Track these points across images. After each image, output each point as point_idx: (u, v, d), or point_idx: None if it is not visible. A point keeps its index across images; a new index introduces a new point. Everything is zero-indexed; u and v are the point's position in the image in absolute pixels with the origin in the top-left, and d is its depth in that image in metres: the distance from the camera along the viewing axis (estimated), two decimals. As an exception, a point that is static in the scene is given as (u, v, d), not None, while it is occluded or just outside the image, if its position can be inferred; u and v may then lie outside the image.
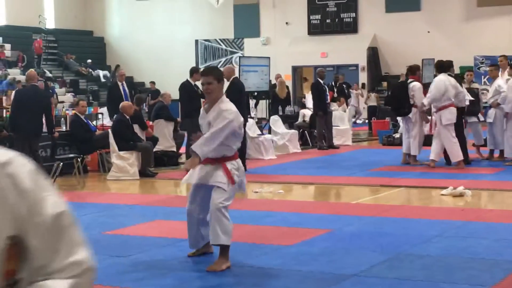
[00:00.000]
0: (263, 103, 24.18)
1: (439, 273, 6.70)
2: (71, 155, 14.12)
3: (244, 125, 14.84)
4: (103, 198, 11.98)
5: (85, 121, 15.06)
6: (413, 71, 15.48)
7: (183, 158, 15.57)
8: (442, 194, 11.41)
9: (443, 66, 14.79)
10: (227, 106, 7.20)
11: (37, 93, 13.63)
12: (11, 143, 13.46)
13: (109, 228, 9.19)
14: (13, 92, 16.61)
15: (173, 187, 13.48)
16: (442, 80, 14.25)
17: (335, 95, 22.31)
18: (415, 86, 14.96)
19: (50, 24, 37.67)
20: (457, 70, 22.24)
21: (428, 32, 31.08)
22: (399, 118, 17.96)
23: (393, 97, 15.78)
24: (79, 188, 13.25)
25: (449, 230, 8.61)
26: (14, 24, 35.72)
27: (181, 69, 16.14)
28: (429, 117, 14.84)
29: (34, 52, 34.22)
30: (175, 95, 16.45)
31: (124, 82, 17.60)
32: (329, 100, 19.27)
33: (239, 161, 7.32)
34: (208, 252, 7.52)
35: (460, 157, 14.18)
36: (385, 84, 30.73)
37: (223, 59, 35.31)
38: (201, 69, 15.88)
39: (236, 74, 15.65)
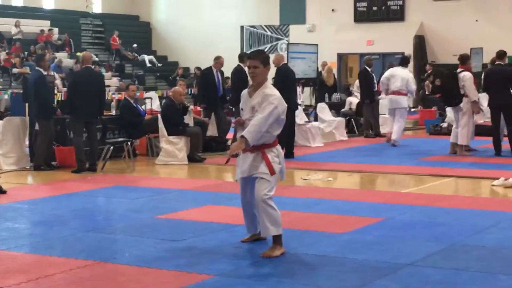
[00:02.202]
0: (307, 90, 24.15)
1: (496, 264, 6.65)
2: (121, 139, 14.24)
3: (294, 112, 14.98)
4: (153, 182, 12.07)
5: (135, 105, 15.16)
6: (463, 61, 15.31)
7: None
8: (493, 185, 11.30)
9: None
10: (272, 91, 7.17)
11: (93, 75, 13.73)
12: (62, 124, 13.63)
13: (161, 212, 9.25)
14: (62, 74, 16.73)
15: (221, 173, 13.53)
16: None
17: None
18: (465, 76, 14.80)
19: (97, 8, 37.94)
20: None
21: (476, 21, 30.70)
22: (448, 108, 17.83)
23: (443, 87, 15.63)
24: (128, 172, 13.35)
25: (503, 221, 8.54)
26: (62, 8, 36.04)
27: (226, 55, 16.16)
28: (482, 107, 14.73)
29: (112, 47, 34.66)
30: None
31: (218, 70, 17.01)
32: (376, 88, 19.17)
33: (279, 147, 7.33)
34: (261, 239, 7.54)
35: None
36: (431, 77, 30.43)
37: (268, 46, 35.24)
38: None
39: (285, 61, 15.65)
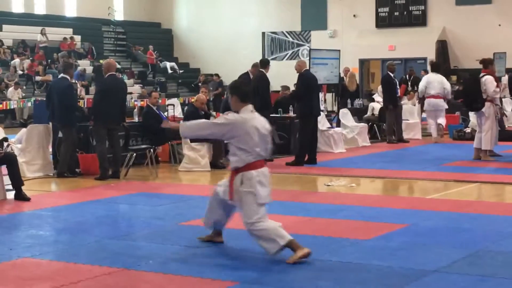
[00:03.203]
0: (329, 96, 24.11)
1: (523, 271, 6.60)
2: (144, 146, 14.26)
3: (316, 118, 14.96)
4: (176, 189, 12.08)
5: (157, 112, 15.20)
6: (486, 65, 15.21)
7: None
8: (518, 191, 11.23)
9: None
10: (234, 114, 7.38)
11: (118, 82, 13.79)
12: (86, 131, 13.67)
13: (184, 219, 9.25)
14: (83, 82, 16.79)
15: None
16: None
17: (409, 88, 22.10)
18: (487, 79, 14.72)
19: (119, 16, 38.12)
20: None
21: (499, 25, 30.56)
22: (470, 113, 17.73)
23: (465, 92, 15.54)
24: (151, 178, 13.37)
25: (529, 227, 8.47)
26: (84, 16, 36.26)
27: (248, 61, 16.15)
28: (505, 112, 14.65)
29: (147, 61, 34.85)
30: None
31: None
32: (399, 94, 19.10)
33: (253, 172, 7.22)
34: (218, 241, 7.70)
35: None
36: (454, 78, 30.30)
37: (290, 52, 35.30)
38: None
39: (307, 67, 15.64)
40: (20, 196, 10.87)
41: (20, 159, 13.40)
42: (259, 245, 7.14)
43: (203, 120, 7.54)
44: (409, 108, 20.78)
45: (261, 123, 7.37)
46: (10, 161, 10.95)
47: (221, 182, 7.74)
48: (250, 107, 7.41)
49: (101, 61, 29.88)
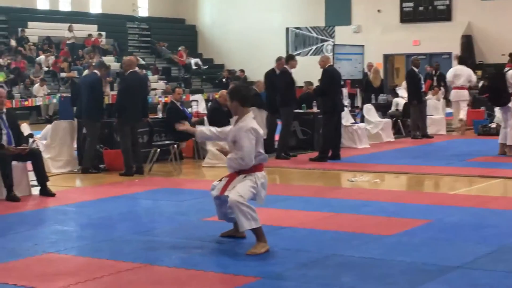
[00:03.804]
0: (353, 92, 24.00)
1: (548, 267, 6.55)
2: (167, 142, 14.29)
3: (340, 114, 14.93)
4: (199, 185, 12.10)
5: (181, 108, 15.23)
6: (512, 59, 15.13)
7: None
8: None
9: None
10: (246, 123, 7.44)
11: (139, 79, 13.86)
12: (110, 127, 13.72)
13: (207, 215, 9.25)
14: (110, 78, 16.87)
15: (268, 175, 13.48)
16: None
17: (435, 83, 22.00)
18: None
19: (143, 12, 38.25)
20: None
21: (525, 20, 30.34)
22: (496, 108, 17.61)
23: (490, 87, 15.43)
24: (175, 174, 13.40)
25: (554, 223, 8.41)
26: (108, 12, 36.43)
27: (272, 57, 16.11)
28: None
29: (179, 63, 34.92)
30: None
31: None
32: (424, 89, 19.02)
33: (258, 174, 7.45)
34: (240, 237, 7.74)
35: None
36: (479, 72, 30.09)
37: (314, 47, 35.24)
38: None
39: (331, 63, 15.60)
40: (45, 192, 10.94)
41: (45, 155, 13.49)
42: (236, 218, 7.27)
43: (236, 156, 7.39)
44: (433, 103, 20.67)
45: (260, 128, 7.55)
46: (35, 157, 11.02)
47: (215, 182, 7.84)
48: (251, 113, 7.53)
49: (126, 57, 29.98)
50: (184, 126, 8.03)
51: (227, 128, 7.68)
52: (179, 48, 35.57)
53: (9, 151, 10.67)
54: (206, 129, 7.90)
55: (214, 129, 7.81)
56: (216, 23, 37.93)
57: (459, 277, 6.31)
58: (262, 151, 7.48)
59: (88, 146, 13.39)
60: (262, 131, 7.53)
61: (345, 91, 18.03)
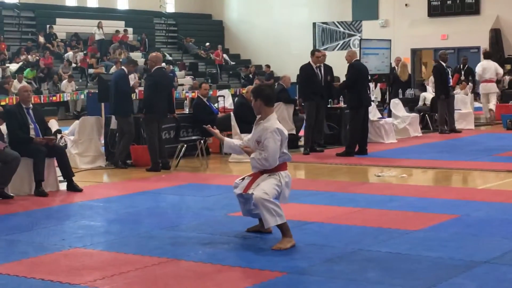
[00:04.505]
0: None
1: None
2: (194, 137, 14.32)
3: (367, 109, 14.88)
4: (226, 180, 12.09)
5: (208, 103, 15.25)
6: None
7: (302, 141, 15.58)
8: None
9: None
10: (270, 124, 7.42)
11: (165, 75, 13.94)
12: (137, 123, 13.77)
13: (234, 210, 9.25)
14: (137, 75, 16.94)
15: (294, 170, 13.49)
16: None
17: (462, 77, 21.87)
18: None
19: (170, 8, 38.35)
20: None
21: (555, 13, 30.04)
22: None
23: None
24: (202, 170, 13.43)
25: None
26: (136, 8, 36.57)
27: (298, 52, 16.11)
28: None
29: (215, 62, 34.87)
30: (293, 78, 16.44)
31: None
32: (451, 83, 18.88)
33: (282, 173, 7.46)
34: (266, 232, 7.72)
35: None
36: (508, 66, 29.87)
37: (341, 42, 35.14)
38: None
39: (358, 57, 15.54)
40: (72, 187, 11.04)
41: (72, 151, 13.63)
42: (261, 215, 7.29)
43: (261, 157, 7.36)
44: (461, 98, 20.55)
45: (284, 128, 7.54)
46: (58, 153, 11.14)
47: (237, 180, 7.87)
48: (275, 113, 7.55)
49: (152, 53, 30.07)
50: (214, 130, 7.95)
51: (248, 137, 7.74)
52: (217, 48, 35.60)
53: (37, 142, 10.80)
54: (232, 142, 7.90)
55: (239, 143, 7.81)
56: (243, 18, 37.93)
57: (486, 272, 6.26)
58: (286, 151, 7.47)
59: (125, 141, 13.45)
60: (286, 132, 7.52)
61: (372, 86, 17.96)
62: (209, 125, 8.09)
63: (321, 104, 15.30)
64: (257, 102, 7.46)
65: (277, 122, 7.45)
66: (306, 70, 15.21)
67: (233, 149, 7.94)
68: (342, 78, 17.37)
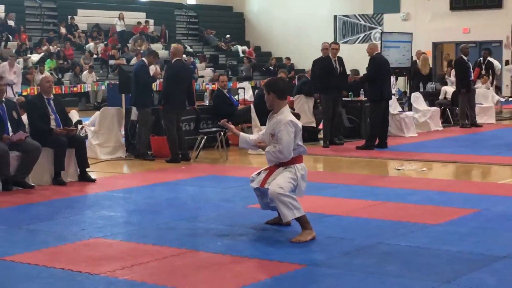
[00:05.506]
0: (401, 80, 23.84)
1: None
2: (214, 129, 14.35)
3: (387, 102, 14.84)
4: (245, 172, 12.07)
5: (228, 95, 15.27)
6: None
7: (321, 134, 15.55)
8: None
9: None
10: (284, 116, 7.44)
11: (185, 67, 13.96)
12: (157, 114, 13.80)
13: (253, 202, 9.23)
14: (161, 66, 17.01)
15: (314, 163, 13.49)
16: None
17: (483, 71, 21.74)
18: None
19: (191, 0, 38.35)
20: None
21: None
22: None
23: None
24: (221, 161, 13.45)
25: None
26: (157, 0, 36.61)
27: (319, 44, 16.04)
28: None
29: (245, 63, 34.75)
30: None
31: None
32: (472, 77, 18.78)
33: (298, 166, 7.47)
34: (285, 224, 7.70)
35: None
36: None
37: (362, 35, 35.01)
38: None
39: (379, 50, 15.49)
40: (85, 178, 11.15)
41: (93, 141, 13.70)
42: (278, 209, 7.34)
43: (275, 150, 7.37)
44: (482, 92, 20.44)
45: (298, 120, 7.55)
46: (78, 143, 11.22)
47: (253, 174, 7.89)
48: (287, 106, 7.53)
49: (173, 45, 30.10)
50: (229, 125, 7.91)
51: (262, 131, 7.78)
52: (250, 47, 35.70)
53: (58, 133, 10.87)
54: (248, 137, 7.89)
55: (254, 138, 7.82)
56: (263, 10, 37.87)
57: (506, 267, 6.23)
58: (300, 143, 7.46)
59: (144, 132, 13.50)
60: (300, 124, 7.51)
61: (393, 79, 17.89)
62: (224, 120, 8.06)
63: (338, 98, 15.29)
64: (270, 95, 7.46)
65: (290, 115, 7.45)
66: (324, 63, 15.15)
67: (248, 144, 7.89)
68: (363, 71, 17.34)
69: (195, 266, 6.44)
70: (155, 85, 16.57)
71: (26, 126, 11.24)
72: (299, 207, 7.26)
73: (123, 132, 14.36)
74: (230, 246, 7.08)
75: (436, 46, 32.65)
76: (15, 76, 18.94)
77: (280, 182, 7.28)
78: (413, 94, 18.84)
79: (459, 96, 18.73)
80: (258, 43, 38.03)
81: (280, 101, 7.45)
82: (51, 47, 29.67)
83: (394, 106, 16.63)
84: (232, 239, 7.39)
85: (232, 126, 7.96)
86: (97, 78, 28.66)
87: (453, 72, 20.29)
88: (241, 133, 7.94)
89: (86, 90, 27.06)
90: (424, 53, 22.36)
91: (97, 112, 14.88)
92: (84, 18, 33.21)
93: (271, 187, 7.29)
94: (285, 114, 7.40)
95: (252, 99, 17.87)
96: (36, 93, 16.52)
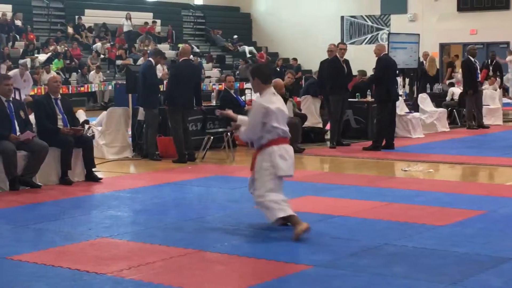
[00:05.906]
0: (407, 81, 23.79)
1: None
2: (221, 130, 14.33)
3: (394, 103, 14.81)
4: (252, 173, 12.10)
5: (235, 96, 15.26)
6: None
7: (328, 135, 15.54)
8: None
9: None
10: (258, 100, 7.76)
11: (191, 67, 13.95)
12: (164, 114, 13.80)
13: (260, 202, 9.27)
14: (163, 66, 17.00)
15: (321, 164, 13.49)
16: None
17: (490, 73, 21.71)
18: None
19: (198, 0, 38.37)
20: None
21: None
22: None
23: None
24: (228, 162, 13.45)
25: None
26: (164, 0, 36.64)
27: (326, 45, 16.02)
28: None
29: (257, 60, 34.78)
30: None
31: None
32: (480, 79, 18.75)
33: (280, 146, 7.52)
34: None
35: None
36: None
37: (369, 36, 34.98)
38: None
39: (386, 51, 15.47)
40: (91, 177, 11.15)
41: (100, 141, 13.71)
42: (264, 215, 7.54)
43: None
44: (490, 93, 20.40)
45: (281, 104, 7.61)
46: (86, 144, 11.23)
47: (249, 179, 7.93)
48: (271, 89, 7.62)
49: (179, 45, 30.08)
50: (227, 112, 8.16)
51: (258, 110, 7.76)
52: (262, 49, 35.75)
53: (65, 132, 10.88)
54: (245, 119, 7.97)
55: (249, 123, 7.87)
56: (270, 11, 37.86)
57: (513, 268, 6.23)
58: (277, 125, 7.45)
59: (151, 133, 13.50)
60: (275, 106, 7.49)
61: (400, 80, 17.88)
62: (219, 110, 8.36)
63: (346, 98, 15.29)
64: (255, 80, 7.63)
65: (269, 98, 7.52)
66: (333, 64, 15.13)
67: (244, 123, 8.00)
68: (370, 72, 17.33)
69: (201, 266, 6.44)
70: (162, 86, 16.55)
71: (34, 126, 11.25)
72: (283, 208, 7.39)
73: (130, 132, 14.37)
74: (237, 246, 7.08)
75: (443, 47, 32.59)
76: (25, 84, 18.97)
77: (259, 189, 7.49)
78: (420, 95, 18.81)
79: (466, 98, 18.69)
80: (265, 44, 38.01)
81: (265, 85, 7.59)
82: (58, 47, 29.70)
83: (401, 107, 16.62)
84: (238, 239, 7.39)
85: (230, 111, 8.13)
86: (104, 78, 28.68)
87: (456, 74, 20.25)
88: (239, 116, 8.01)
89: (93, 90, 27.09)
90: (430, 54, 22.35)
91: (104, 112, 14.90)
92: (91, 18, 33.23)
93: (254, 198, 7.60)
94: (264, 98, 7.54)
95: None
96: (43, 92, 16.54)
